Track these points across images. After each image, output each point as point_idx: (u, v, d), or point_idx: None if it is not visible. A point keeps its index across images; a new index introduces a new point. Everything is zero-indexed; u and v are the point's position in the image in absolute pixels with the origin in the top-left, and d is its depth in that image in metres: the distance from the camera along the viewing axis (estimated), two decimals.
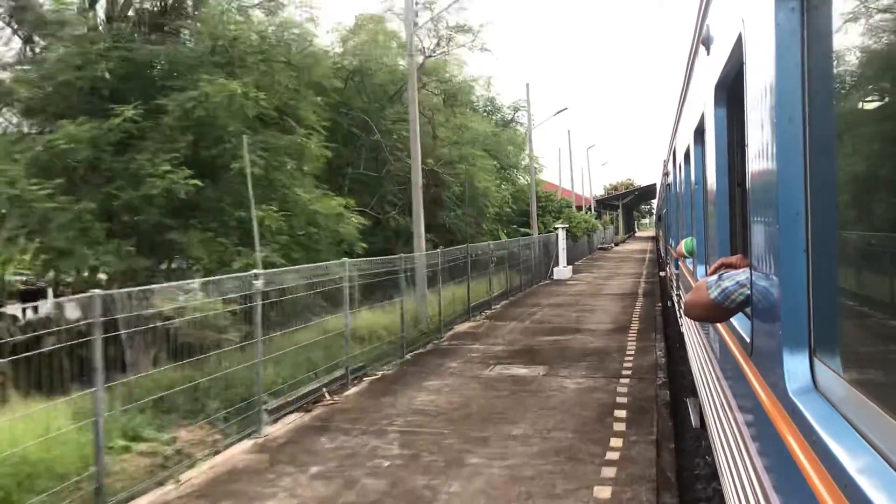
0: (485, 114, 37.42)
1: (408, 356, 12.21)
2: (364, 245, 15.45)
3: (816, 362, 1.85)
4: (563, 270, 28.92)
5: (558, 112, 41.11)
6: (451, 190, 24.72)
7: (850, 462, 1.38)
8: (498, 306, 19.44)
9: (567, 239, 32.17)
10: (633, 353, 11.85)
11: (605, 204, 78.37)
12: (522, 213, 33.87)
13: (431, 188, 23.48)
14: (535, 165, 39.06)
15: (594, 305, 19.13)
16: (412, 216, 16.28)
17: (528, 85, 37.07)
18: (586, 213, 54.75)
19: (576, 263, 36.04)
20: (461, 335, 14.60)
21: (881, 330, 1.57)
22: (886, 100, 1.47)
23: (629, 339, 13.35)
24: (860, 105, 1.65)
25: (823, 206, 1.81)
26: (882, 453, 1.33)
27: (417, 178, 16.22)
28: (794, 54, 1.90)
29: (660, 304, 18.75)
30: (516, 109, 40.33)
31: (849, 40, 1.61)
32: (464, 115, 28.23)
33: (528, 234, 30.58)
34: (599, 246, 54.21)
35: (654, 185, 54.93)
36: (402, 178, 21.48)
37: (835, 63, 1.70)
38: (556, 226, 30.74)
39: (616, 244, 65.44)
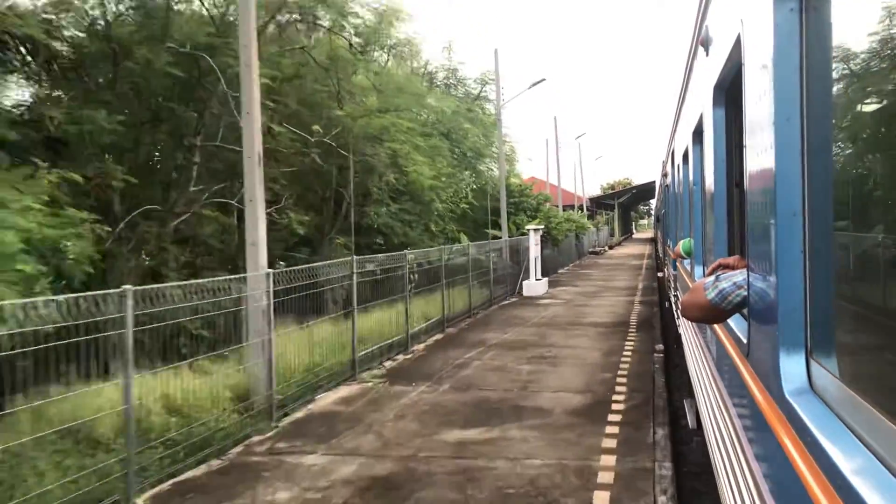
0: (445, 87, 30.37)
1: None
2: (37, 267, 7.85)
3: (813, 364, 1.85)
4: (535, 285, 22.53)
5: (534, 84, 28.97)
6: (384, 179, 18.58)
7: (846, 463, 1.38)
8: (419, 347, 13.06)
9: (546, 243, 26.97)
10: (608, 497, 5.86)
11: (600, 203, 73.04)
12: (493, 210, 27.46)
13: (356, 174, 18.38)
14: (507, 152, 32.22)
15: (563, 348, 12.59)
16: (248, 211, 9.38)
17: (496, 51, 29.17)
18: (577, 212, 49.54)
19: (559, 272, 30.76)
20: (312, 421, 8.36)
21: (877, 331, 1.57)
22: (885, 101, 1.47)
23: (606, 440, 7.31)
24: (858, 106, 1.65)
25: (821, 208, 1.81)
26: (877, 455, 1.33)
27: (253, 146, 9.35)
28: (792, 55, 1.90)
29: (661, 348, 12.36)
30: (484, 83, 31.64)
31: (848, 42, 1.61)
32: (390, 72, 20.94)
33: (496, 237, 24.60)
34: (590, 250, 48.04)
35: (654, 182, 50.15)
36: (292, 155, 15.38)
37: (833, 64, 1.71)
38: (528, 227, 23.73)
39: (610, 247, 58.57)
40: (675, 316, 11.32)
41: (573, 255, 38.68)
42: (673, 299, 12.19)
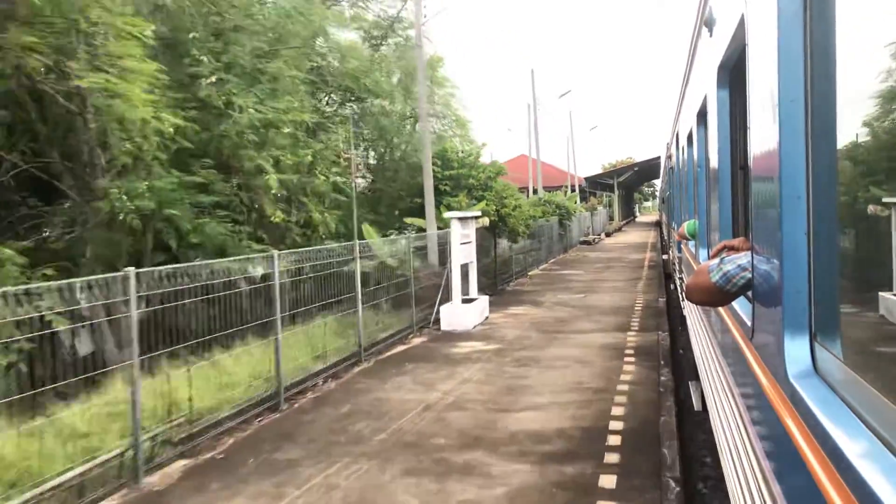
0: (352, 6, 20.54)
1: None
2: None
3: (817, 346, 1.85)
4: (461, 312, 13.54)
5: None
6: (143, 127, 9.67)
7: (849, 446, 1.38)
8: None
9: (499, 237, 19.83)
10: None
11: (598, 183, 62.89)
12: (422, 190, 18.37)
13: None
14: (442, 106, 22.52)
15: None
16: None
17: None
18: (565, 193, 41.32)
19: (528, 274, 23.05)
20: None
21: (881, 315, 1.57)
22: (890, 82, 1.46)
23: None
24: (863, 87, 1.63)
25: (825, 190, 1.79)
26: (881, 438, 1.33)
27: None
28: (796, 35, 1.88)
29: None
30: None
31: (852, 22, 1.59)
32: None
33: (420, 230, 16.47)
34: (582, 239, 38.37)
35: (658, 158, 42.12)
36: None
37: (838, 44, 1.69)
38: (448, 215, 14.53)
39: (608, 234, 47.59)
40: (680, 298, 11.33)
41: (554, 248, 29.90)
42: (678, 282, 12.20)
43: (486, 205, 18.52)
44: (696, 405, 6.64)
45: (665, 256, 22.94)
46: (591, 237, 40.96)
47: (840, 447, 1.41)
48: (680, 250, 10.73)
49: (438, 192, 17.88)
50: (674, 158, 12.81)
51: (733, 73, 3.75)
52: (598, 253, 32.94)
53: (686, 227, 7.20)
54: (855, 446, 1.37)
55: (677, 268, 12.53)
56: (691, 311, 7.44)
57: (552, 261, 28.32)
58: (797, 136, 1.88)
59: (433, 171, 17.66)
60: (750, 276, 2.49)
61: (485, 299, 15.01)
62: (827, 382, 1.73)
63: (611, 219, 60.60)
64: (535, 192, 35.44)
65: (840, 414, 1.53)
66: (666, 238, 24.67)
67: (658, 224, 48.91)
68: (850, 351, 1.69)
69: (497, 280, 19.34)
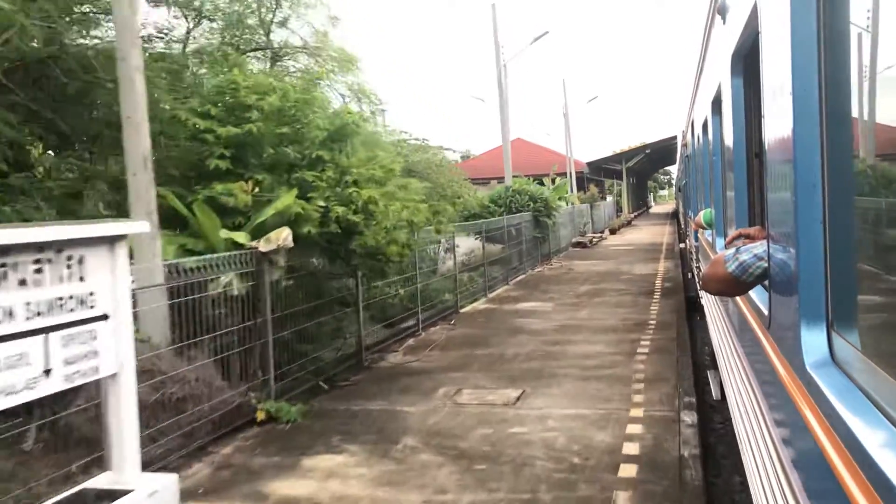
0: None
1: None
2: None
3: (834, 335, 1.84)
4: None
5: None
6: None
7: (867, 435, 1.38)
8: None
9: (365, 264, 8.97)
10: None
11: (603, 169, 51.58)
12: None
13: None
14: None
15: None
16: None
17: None
18: (551, 180, 32.33)
19: (459, 310, 13.43)
20: None
21: None
22: None
23: None
24: (878, 74, 1.62)
25: (840, 177, 1.78)
26: None
27: None
28: (809, 22, 1.87)
29: None
30: None
31: (866, 8, 1.57)
32: None
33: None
34: (575, 240, 29.81)
35: (674, 138, 32.68)
36: None
37: (852, 31, 1.67)
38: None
39: (612, 231, 38.18)
40: (698, 288, 11.28)
41: (526, 258, 20.77)
42: (695, 271, 12.14)
43: (311, 199, 8.09)
44: (715, 394, 6.63)
45: (682, 245, 22.10)
46: (586, 237, 31.23)
47: (857, 436, 1.40)
48: (697, 239, 10.72)
49: (206, 174, 8.09)
50: (689, 147, 12.73)
51: (747, 61, 3.72)
52: (591, 263, 22.50)
53: (702, 216, 7.18)
54: (872, 435, 1.37)
55: (694, 257, 12.48)
56: (709, 299, 7.41)
57: (516, 280, 18.57)
58: (811, 124, 1.86)
59: (201, 125, 8.08)
60: (766, 265, 2.48)
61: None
62: (844, 371, 1.72)
63: (619, 211, 51.15)
64: (525, 178, 26.15)
65: (857, 403, 1.52)
66: (683, 228, 23.86)
67: (675, 215, 43.98)
68: (867, 340, 1.68)
69: (362, 350, 9.59)
